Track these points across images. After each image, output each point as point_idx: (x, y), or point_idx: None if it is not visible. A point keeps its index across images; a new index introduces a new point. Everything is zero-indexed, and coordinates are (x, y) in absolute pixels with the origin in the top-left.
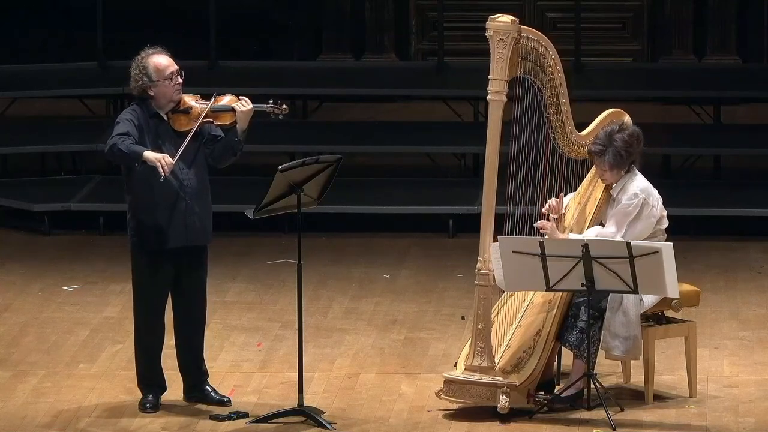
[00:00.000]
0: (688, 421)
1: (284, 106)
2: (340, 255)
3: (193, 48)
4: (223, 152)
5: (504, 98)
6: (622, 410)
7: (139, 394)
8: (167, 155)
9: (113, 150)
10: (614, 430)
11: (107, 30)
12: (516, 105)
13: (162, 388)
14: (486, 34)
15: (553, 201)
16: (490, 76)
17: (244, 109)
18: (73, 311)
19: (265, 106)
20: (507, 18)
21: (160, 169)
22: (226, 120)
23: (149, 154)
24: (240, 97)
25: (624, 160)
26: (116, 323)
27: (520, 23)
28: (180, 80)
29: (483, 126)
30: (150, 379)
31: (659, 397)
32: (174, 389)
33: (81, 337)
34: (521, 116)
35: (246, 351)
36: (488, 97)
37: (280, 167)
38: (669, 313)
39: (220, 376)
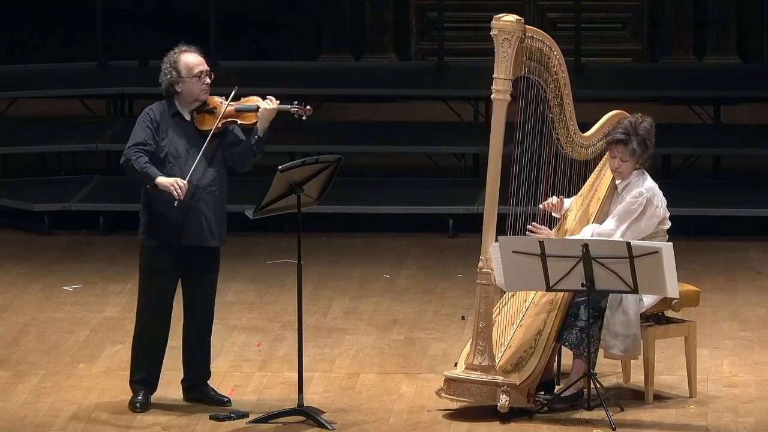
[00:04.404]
0: (688, 421)
1: (308, 107)
2: (340, 255)
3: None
4: (244, 153)
5: (508, 97)
6: (622, 410)
7: None
8: (179, 179)
9: (127, 165)
10: (614, 430)
11: (107, 30)
12: (519, 105)
13: (153, 387)
14: (491, 33)
15: (554, 199)
16: (494, 75)
17: (267, 107)
18: (73, 311)
19: (289, 106)
20: (512, 17)
21: (174, 193)
22: (250, 119)
23: (162, 180)
24: (267, 96)
25: (646, 150)
26: (116, 323)
27: None
28: (208, 81)
29: (483, 126)
30: (143, 378)
31: (659, 397)
32: (174, 389)
33: (81, 337)
34: (524, 116)
35: (246, 351)
36: (492, 96)
37: (280, 167)
38: (669, 313)
39: (220, 376)
